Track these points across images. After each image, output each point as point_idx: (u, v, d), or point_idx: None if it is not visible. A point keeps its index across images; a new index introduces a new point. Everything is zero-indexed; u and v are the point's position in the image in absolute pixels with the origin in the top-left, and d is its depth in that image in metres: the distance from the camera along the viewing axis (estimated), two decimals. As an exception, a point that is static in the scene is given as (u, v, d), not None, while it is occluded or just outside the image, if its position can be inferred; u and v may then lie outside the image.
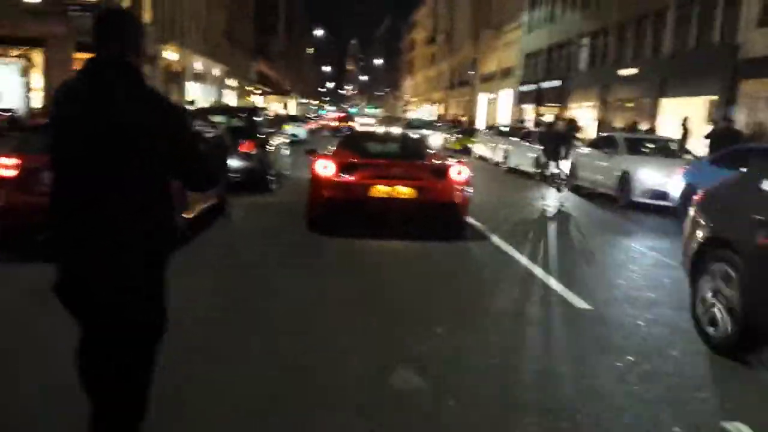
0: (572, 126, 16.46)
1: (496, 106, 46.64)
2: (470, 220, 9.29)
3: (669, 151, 13.46)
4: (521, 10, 42.28)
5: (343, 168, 7.93)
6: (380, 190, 7.77)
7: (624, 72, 25.45)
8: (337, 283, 5.87)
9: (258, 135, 11.81)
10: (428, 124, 32.76)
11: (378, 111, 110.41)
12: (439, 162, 8.50)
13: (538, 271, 6.61)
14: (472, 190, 8.45)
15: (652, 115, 22.75)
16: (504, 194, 14.63)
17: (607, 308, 5.42)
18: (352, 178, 7.86)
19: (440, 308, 5.23)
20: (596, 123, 28.42)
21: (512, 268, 6.88)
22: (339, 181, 7.86)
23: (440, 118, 49.40)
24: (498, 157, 21.65)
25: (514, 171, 19.05)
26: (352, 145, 9.24)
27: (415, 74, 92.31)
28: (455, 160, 8.77)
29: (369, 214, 8.07)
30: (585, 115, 30.12)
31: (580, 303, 5.49)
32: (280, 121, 34.42)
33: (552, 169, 12.52)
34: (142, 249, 2.30)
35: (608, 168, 12.89)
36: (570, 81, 32.22)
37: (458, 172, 8.08)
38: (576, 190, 14.43)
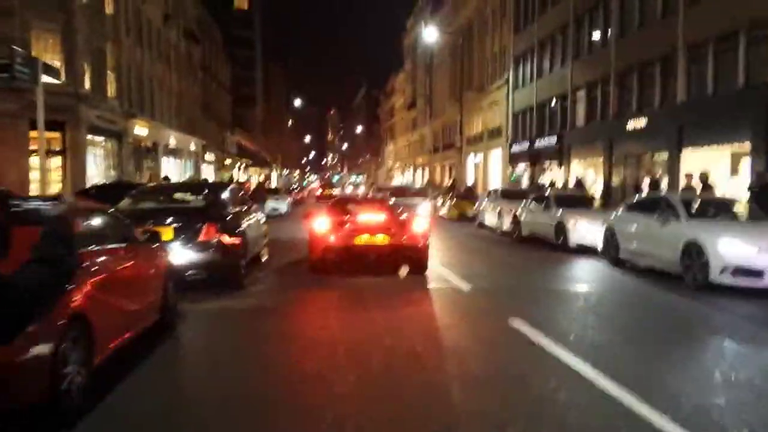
0: None
1: (486, 167, 44.67)
2: (521, 325, 6.61)
3: (733, 212, 10.96)
4: (504, 69, 40.94)
5: (334, 223, 10.35)
6: (362, 238, 10.19)
7: (632, 124, 23.41)
8: None
9: (223, 216, 9.15)
10: (419, 192, 30.10)
11: (361, 179, 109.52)
12: (405, 217, 11.04)
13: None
14: (429, 239, 10.68)
15: (672, 169, 20.54)
16: (538, 274, 11.92)
17: None
18: (341, 231, 10.22)
19: None
20: (602, 181, 26.23)
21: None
22: (331, 234, 10.19)
23: (430, 182, 47.26)
24: (505, 224, 19.14)
25: (528, 240, 16.50)
26: (339, 207, 11.92)
27: (397, 140, 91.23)
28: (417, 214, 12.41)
29: (355, 257, 10.20)
30: (589, 172, 28.03)
31: None
32: (260, 193, 32.01)
33: None
34: None
35: (665, 237, 10.32)
36: (567, 137, 30.24)
37: (419, 223, 10.62)
38: (618, 263, 11.86)
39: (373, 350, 5.90)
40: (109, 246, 5.29)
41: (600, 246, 12.95)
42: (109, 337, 4.81)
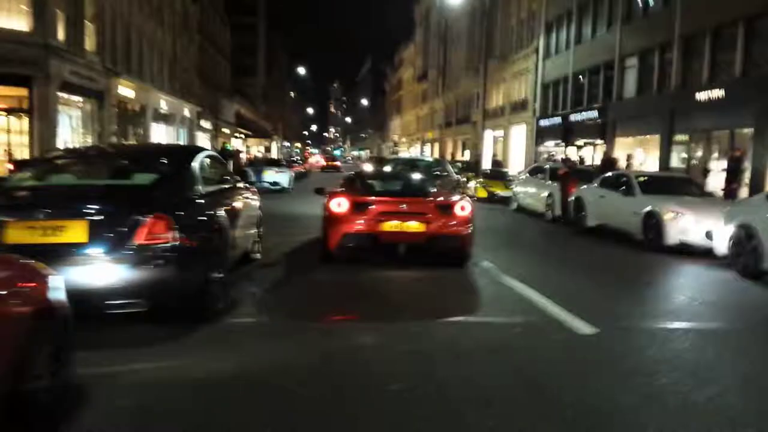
0: None
1: (507, 143, 40.87)
2: None
3: None
4: (532, 37, 36.96)
5: (354, 205, 8.21)
6: (391, 225, 8.08)
7: (703, 95, 19.64)
8: None
9: (185, 202, 5.49)
10: (433, 166, 25.42)
11: (364, 153, 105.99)
12: (443, 199, 8.65)
13: None
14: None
15: (759, 149, 16.86)
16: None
17: None
18: (365, 215, 8.12)
19: None
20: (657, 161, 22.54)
21: None
22: (351, 217, 8.14)
23: (448, 157, 43.34)
24: (557, 209, 15.54)
25: (594, 232, 12.89)
26: (360, 185, 9.54)
27: (404, 113, 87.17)
28: (459, 196, 9.05)
29: (381, 247, 8.23)
30: (637, 151, 24.30)
31: None
32: (257, 165, 28.37)
33: None
34: None
35: None
36: (612, 110, 26.41)
37: (462, 207, 8.33)
38: (757, 274, 8.27)
39: None
40: None
41: (720, 248, 9.39)
42: None
